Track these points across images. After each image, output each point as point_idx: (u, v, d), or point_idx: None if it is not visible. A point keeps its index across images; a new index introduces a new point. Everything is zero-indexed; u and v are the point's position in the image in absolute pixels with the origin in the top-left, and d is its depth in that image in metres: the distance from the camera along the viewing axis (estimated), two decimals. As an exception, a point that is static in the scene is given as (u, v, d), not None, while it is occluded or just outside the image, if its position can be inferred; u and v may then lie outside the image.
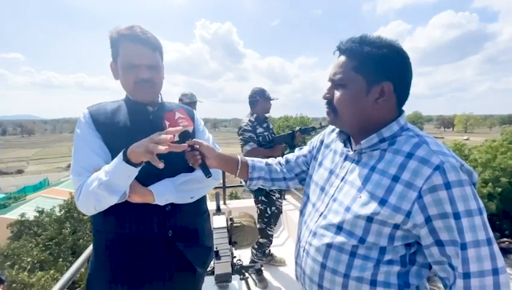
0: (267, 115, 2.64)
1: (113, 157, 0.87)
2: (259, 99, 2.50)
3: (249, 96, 2.56)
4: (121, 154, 0.83)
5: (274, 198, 2.48)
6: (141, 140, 0.80)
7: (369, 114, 0.74)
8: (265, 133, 2.51)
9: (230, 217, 1.83)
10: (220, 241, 1.62)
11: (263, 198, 2.45)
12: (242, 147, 2.44)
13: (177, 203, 1.00)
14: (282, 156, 1.13)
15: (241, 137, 2.47)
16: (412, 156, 0.67)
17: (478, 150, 13.17)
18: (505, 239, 10.53)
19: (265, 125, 2.55)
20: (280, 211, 2.64)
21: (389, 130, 0.73)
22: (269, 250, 2.71)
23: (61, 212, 9.33)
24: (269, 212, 2.44)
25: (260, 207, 2.47)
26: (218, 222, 1.77)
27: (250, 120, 2.49)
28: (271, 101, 2.56)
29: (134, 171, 0.84)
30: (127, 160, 0.81)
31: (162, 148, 0.76)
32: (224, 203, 3.71)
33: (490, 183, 10.94)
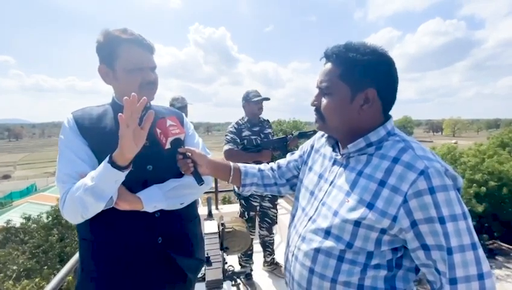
0: (266, 118, 2.58)
1: (99, 163, 0.85)
2: (243, 102, 2.49)
3: None
4: (106, 159, 0.81)
5: (255, 204, 2.47)
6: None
7: (355, 120, 0.75)
8: (253, 137, 2.43)
9: (222, 222, 1.81)
10: (211, 247, 1.59)
11: (243, 202, 2.46)
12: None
13: (166, 209, 0.98)
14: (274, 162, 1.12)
15: (224, 138, 2.48)
16: (398, 161, 0.67)
17: (466, 153, 13.46)
18: (493, 241, 10.75)
19: (256, 129, 2.47)
20: (274, 222, 2.62)
21: (375, 134, 0.74)
22: (273, 258, 2.69)
23: (49, 219, 9.09)
24: (246, 216, 2.43)
25: (240, 209, 2.49)
26: (209, 227, 1.75)
27: (237, 122, 2.48)
28: (263, 102, 2.46)
29: (121, 176, 0.83)
30: (112, 163, 0.80)
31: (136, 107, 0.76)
32: (217, 208, 3.69)
33: (475, 184, 11.15)
